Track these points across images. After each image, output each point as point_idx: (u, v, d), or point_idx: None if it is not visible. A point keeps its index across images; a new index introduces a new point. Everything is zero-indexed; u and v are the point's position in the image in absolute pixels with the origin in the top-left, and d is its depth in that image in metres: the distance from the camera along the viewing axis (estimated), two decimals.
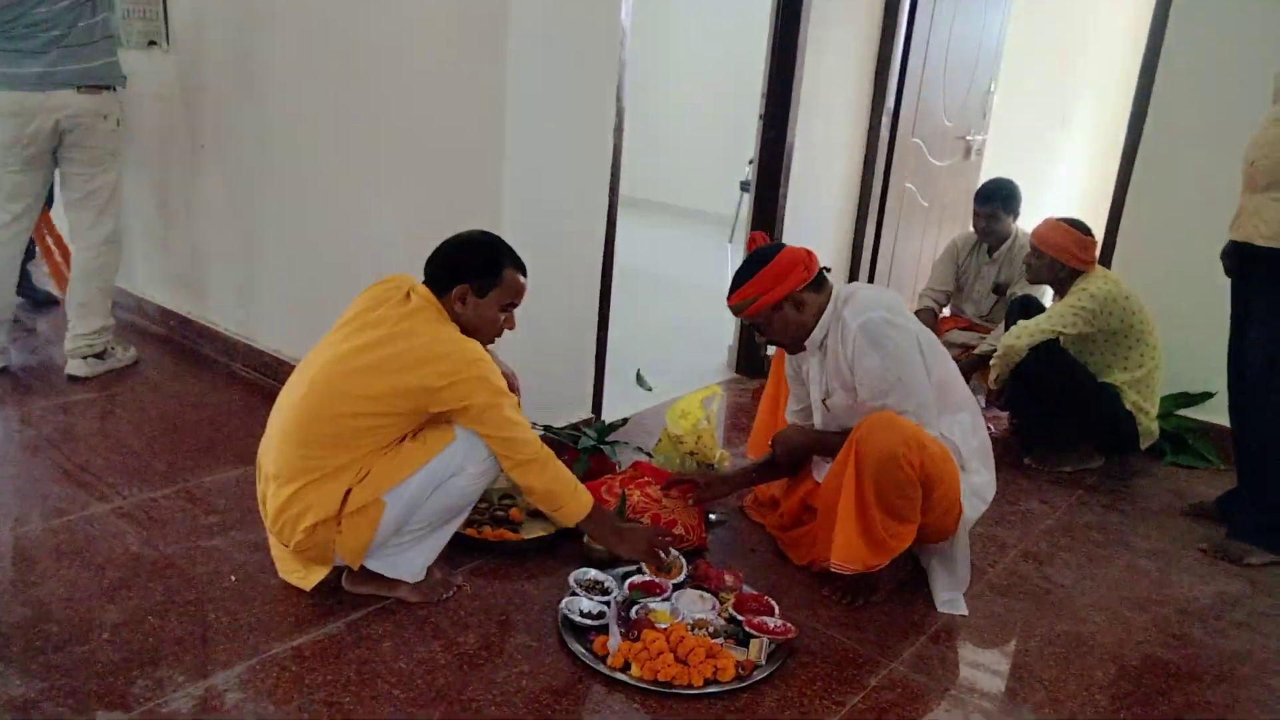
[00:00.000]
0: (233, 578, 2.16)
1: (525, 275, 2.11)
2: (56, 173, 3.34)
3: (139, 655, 1.86)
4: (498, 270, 2.05)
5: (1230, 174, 2.63)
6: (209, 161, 3.64)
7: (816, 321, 2.25)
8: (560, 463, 2.06)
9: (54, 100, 3.13)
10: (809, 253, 2.25)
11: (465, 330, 2.04)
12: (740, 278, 2.26)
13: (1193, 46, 3.36)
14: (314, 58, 3.11)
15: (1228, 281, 2.70)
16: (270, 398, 2.15)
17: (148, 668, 1.82)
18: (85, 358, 3.40)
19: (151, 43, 3.74)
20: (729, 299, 2.28)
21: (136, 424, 3.03)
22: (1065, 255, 3.13)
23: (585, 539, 2.36)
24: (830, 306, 2.24)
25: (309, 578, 2.07)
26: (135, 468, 2.70)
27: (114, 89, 3.30)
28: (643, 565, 2.27)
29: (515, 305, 2.11)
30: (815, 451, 2.42)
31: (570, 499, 2.06)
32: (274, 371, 3.40)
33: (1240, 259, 2.59)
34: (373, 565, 2.06)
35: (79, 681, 1.77)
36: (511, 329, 2.14)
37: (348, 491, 1.96)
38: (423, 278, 2.08)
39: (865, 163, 4.30)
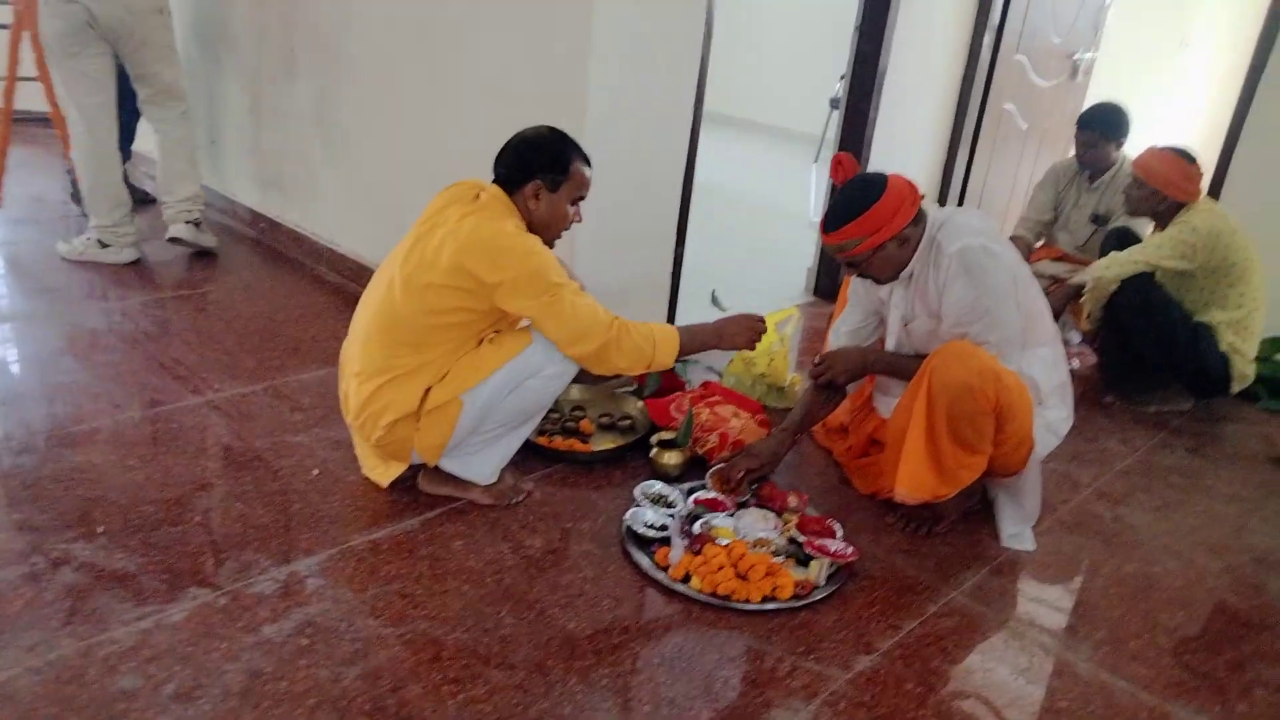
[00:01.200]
0: (315, 472, 2.27)
1: (590, 167, 2.10)
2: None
3: (227, 539, 1.98)
4: (566, 165, 2.05)
5: None
6: (300, 66, 3.67)
7: (913, 254, 2.18)
8: (633, 324, 2.04)
9: None
10: (912, 185, 2.12)
11: (536, 226, 2.06)
12: (841, 214, 2.10)
13: None
14: None
15: None
16: (353, 301, 2.21)
17: (235, 550, 1.94)
18: (186, 222, 3.61)
19: None
20: (827, 235, 2.13)
21: (227, 322, 3.15)
22: (1169, 187, 2.97)
23: (653, 454, 2.40)
24: (925, 235, 2.16)
25: (388, 473, 2.15)
26: (226, 364, 2.82)
27: None
28: (708, 480, 2.30)
29: (583, 198, 2.12)
30: (880, 371, 2.35)
31: (654, 354, 2.05)
32: (356, 275, 3.48)
33: None
34: (447, 465, 2.14)
35: (172, 559, 1.89)
36: (579, 222, 2.15)
37: (427, 390, 2.03)
38: (492, 177, 2.09)
39: (964, 80, 4.11)
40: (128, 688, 1.55)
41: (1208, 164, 3.72)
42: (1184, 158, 2.99)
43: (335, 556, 1.95)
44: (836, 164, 2.27)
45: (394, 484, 2.17)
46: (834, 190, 2.25)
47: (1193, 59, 6.34)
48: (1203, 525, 2.44)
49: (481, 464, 2.17)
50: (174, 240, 3.64)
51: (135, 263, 3.58)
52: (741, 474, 2.27)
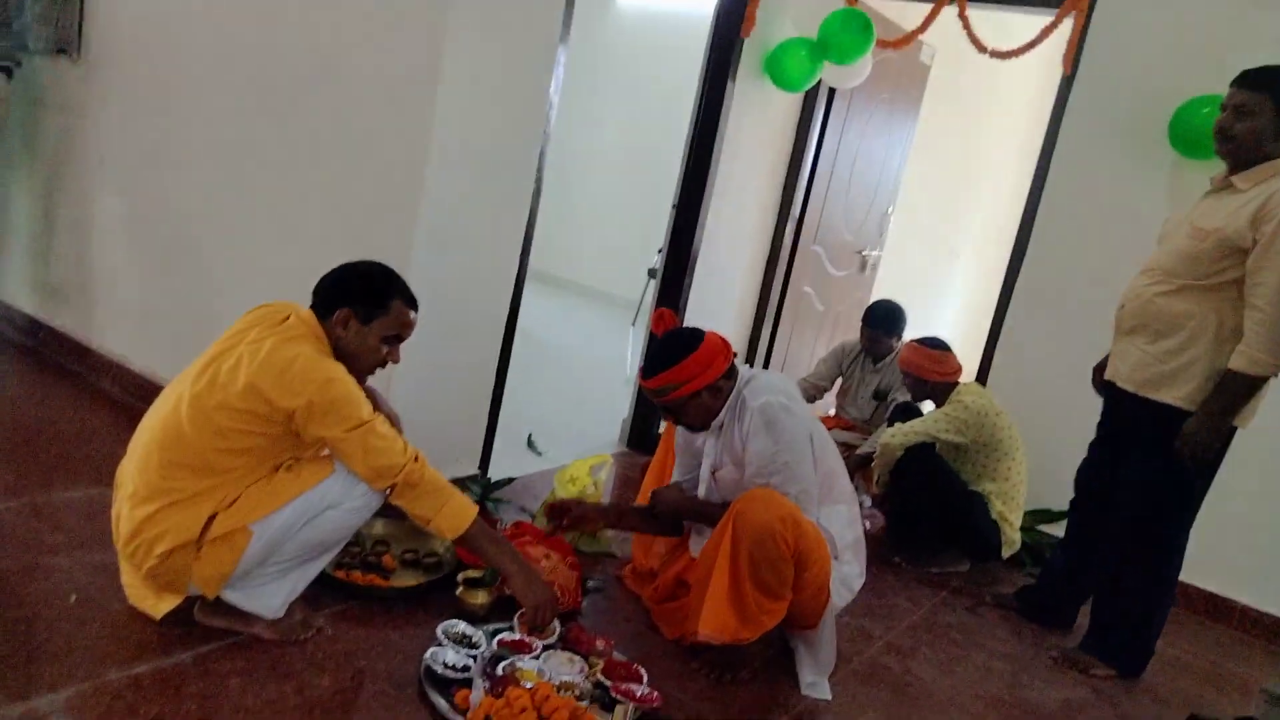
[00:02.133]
0: (73, 598, 2.02)
1: (415, 310, 2.08)
2: None
3: None
4: (385, 300, 2.02)
5: (1099, 315, 2.86)
6: (106, 176, 3.51)
7: (724, 405, 2.31)
8: (435, 476, 1.98)
9: None
10: (725, 341, 2.31)
11: (343, 356, 1.99)
12: (661, 361, 2.27)
13: (1072, 198, 3.68)
14: (231, 79, 3.07)
15: (1090, 409, 2.89)
16: (137, 421, 2.05)
17: None
18: None
19: (61, 50, 3.62)
20: (647, 381, 2.28)
21: None
22: (924, 371, 3.36)
23: (459, 591, 2.31)
24: (734, 389, 2.31)
25: (159, 605, 1.94)
26: None
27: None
28: (514, 624, 2.22)
29: (401, 339, 2.09)
30: (693, 517, 2.46)
31: (438, 514, 1.97)
32: (145, 394, 3.22)
33: (1109, 397, 2.78)
34: (230, 597, 1.96)
35: None
36: (396, 362, 2.11)
37: (211, 517, 1.87)
38: (310, 303, 2.05)
39: (768, 262, 4.50)
40: None
41: (974, 356, 4.21)
42: (931, 345, 3.41)
43: (86, 692, 1.72)
44: (658, 318, 2.42)
45: (167, 615, 1.96)
46: (654, 340, 2.38)
47: (961, 266, 7.24)
48: (981, 679, 2.58)
49: (269, 597, 2.00)
50: None
51: None
52: (567, 517, 2.46)
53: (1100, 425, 2.85)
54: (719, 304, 4.29)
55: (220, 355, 1.93)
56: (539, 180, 2.98)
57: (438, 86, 2.55)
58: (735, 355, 2.36)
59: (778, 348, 4.67)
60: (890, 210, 5.28)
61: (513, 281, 3.03)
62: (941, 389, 3.38)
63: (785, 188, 4.42)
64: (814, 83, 4.04)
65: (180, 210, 3.27)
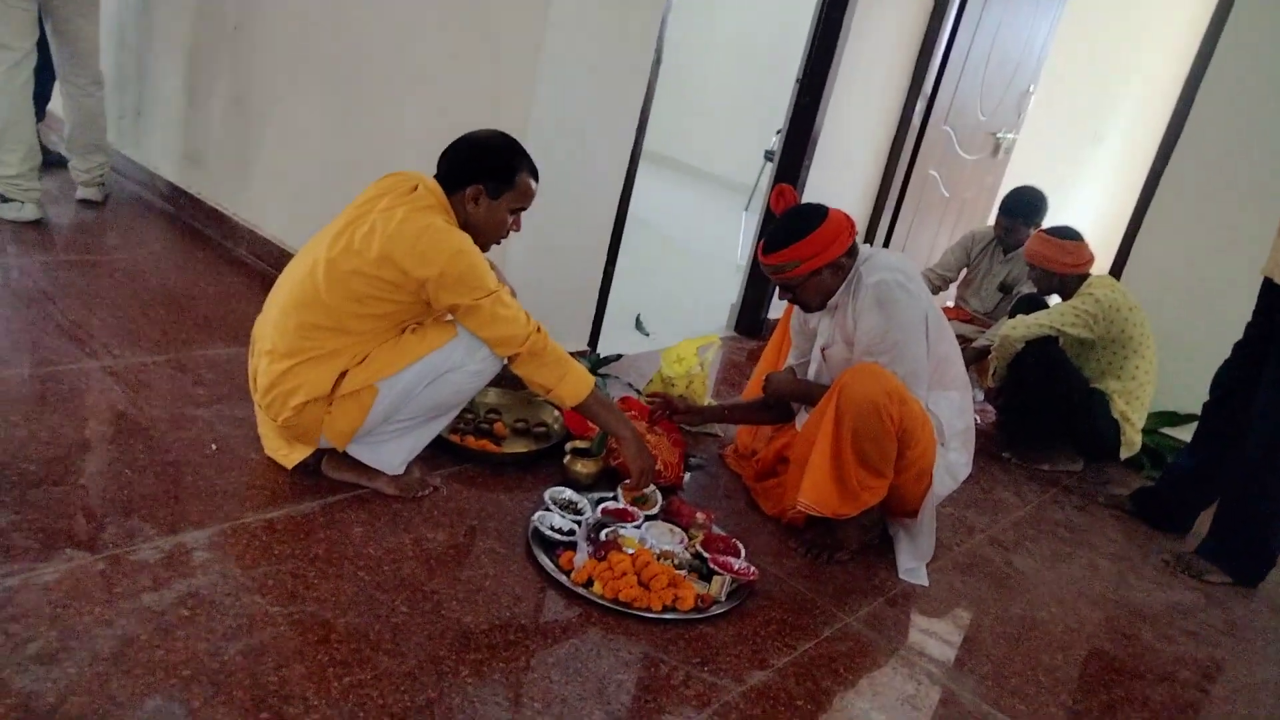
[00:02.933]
0: (213, 446, 2.18)
1: (537, 180, 2.10)
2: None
3: (111, 503, 1.88)
4: (512, 173, 2.04)
5: (1251, 211, 2.63)
6: (240, 44, 3.60)
7: (842, 284, 2.25)
8: (556, 348, 2.04)
9: None
10: (849, 218, 2.21)
11: (471, 229, 2.03)
12: (783, 237, 2.18)
13: (1234, 83, 3.35)
14: None
15: (1233, 311, 2.70)
16: (269, 285, 2.15)
17: (119, 516, 1.84)
18: (97, 184, 3.75)
19: None
20: (767, 257, 2.20)
21: (134, 291, 3.02)
22: (1053, 264, 3.16)
23: (566, 460, 2.39)
24: (853, 267, 2.25)
25: (291, 455, 2.08)
26: (129, 331, 2.70)
27: None
28: (618, 492, 2.30)
29: (524, 209, 2.11)
30: (801, 399, 2.43)
31: (559, 383, 2.03)
32: (275, 260, 3.39)
33: (1267, 295, 2.58)
34: (355, 452, 2.08)
35: (49, 519, 1.78)
36: (518, 231, 2.14)
37: (342, 373, 1.98)
38: (433, 172, 2.07)
39: (893, 143, 4.28)
40: None
41: (1110, 246, 3.96)
42: (1061, 235, 3.18)
43: (226, 532, 1.87)
44: (778, 195, 2.33)
45: (297, 466, 2.11)
46: (773, 218, 2.32)
47: (1104, 151, 6.75)
48: (1086, 577, 2.54)
49: (391, 454, 2.12)
50: (84, 201, 3.72)
51: (37, 222, 3.42)
52: (662, 409, 2.50)
53: (1250, 325, 2.67)
54: (839, 187, 4.14)
55: (354, 222, 1.99)
56: (658, 53, 2.89)
57: None
58: (857, 233, 2.28)
59: (897, 234, 4.50)
60: (1031, 90, 4.93)
61: (626, 161, 2.99)
62: (1071, 282, 3.20)
63: (918, 64, 4.15)
64: None
65: (304, 80, 3.33)
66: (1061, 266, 3.16)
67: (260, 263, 3.50)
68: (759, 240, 2.29)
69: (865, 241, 4.47)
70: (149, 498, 1.93)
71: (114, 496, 1.91)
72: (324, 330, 1.97)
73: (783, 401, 2.49)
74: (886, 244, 4.50)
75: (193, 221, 3.86)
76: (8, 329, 2.56)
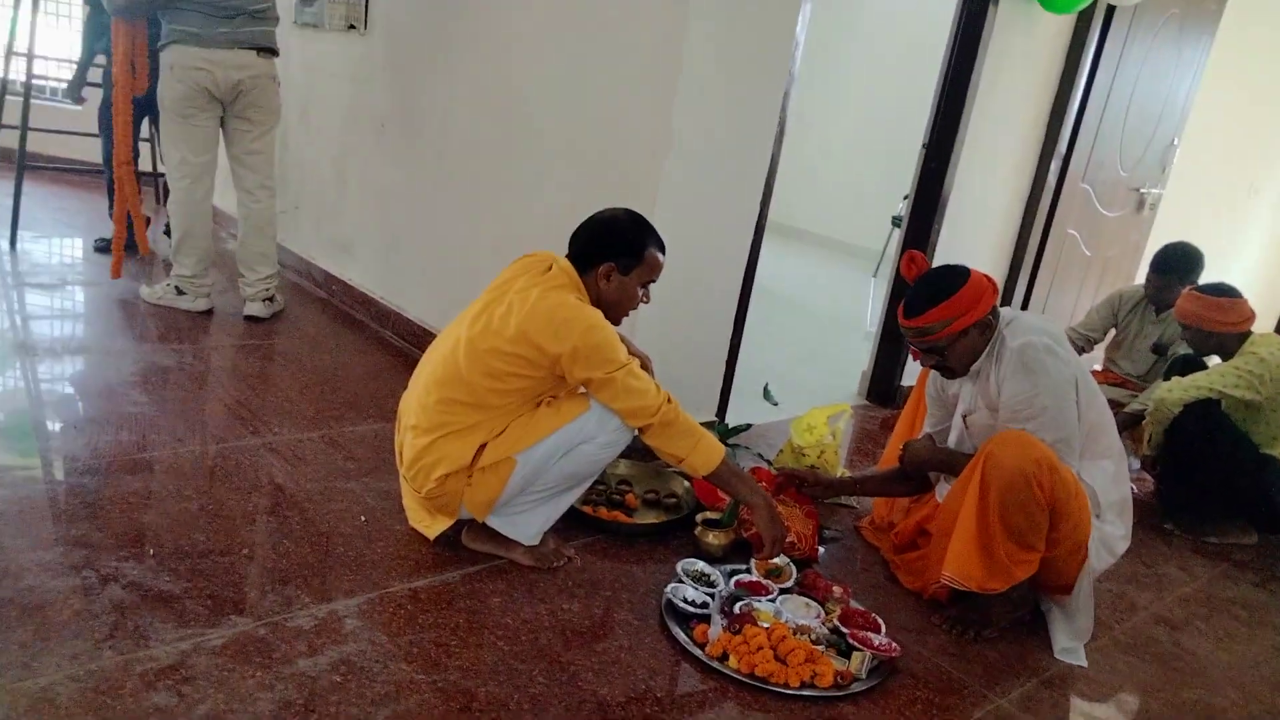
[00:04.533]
0: (363, 518, 2.29)
1: (664, 254, 2.15)
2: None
3: (271, 573, 1.99)
4: (642, 250, 2.10)
5: None
6: (388, 141, 3.87)
7: (987, 346, 2.19)
8: (687, 418, 2.06)
9: (239, 59, 3.47)
10: (991, 278, 2.17)
11: (604, 305, 2.10)
12: (927, 298, 2.13)
13: None
14: (498, 51, 3.27)
15: None
16: (414, 364, 2.27)
17: (278, 585, 1.95)
18: (263, 300, 3.77)
19: (351, 26, 4.02)
20: (911, 320, 2.15)
21: (292, 373, 3.24)
22: (1205, 321, 2.98)
23: (697, 531, 2.38)
24: (996, 330, 2.19)
25: (434, 527, 2.16)
26: (287, 410, 2.89)
27: (278, 55, 3.65)
28: (752, 565, 2.27)
29: (653, 281, 2.16)
30: (942, 468, 2.35)
31: (692, 453, 2.04)
32: (419, 340, 3.57)
33: None
34: (493, 523, 2.14)
35: (217, 586, 1.91)
36: (647, 303, 2.19)
37: (481, 446, 2.05)
38: (567, 253, 2.16)
39: (1028, 204, 4.17)
40: (161, 704, 1.55)
41: (1273, 302, 3.70)
42: (1213, 292, 2.99)
43: (375, 600, 1.95)
44: (909, 260, 2.30)
45: (439, 538, 2.18)
46: (904, 285, 2.29)
47: (1262, 203, 6.36)
48: (1269, 659, 2.32)
49: (527, 525, 2.17)
50: (250, 318, 3.74)
51: (209, 312, 3.73)
52: (789, 480, 2.45)
53: None
54: (971, 250, 4.04)
55: (492, 303, 2.09)
56: (782, 124, 2.94)
57: (685, 24, 2.55)
58: (999, 293, 2.21)
59: (1036, 296, 4.34)
60: (1175, 142, 4.72)
61: (752, 230, 3.03)
62: (1231, 341, 3.00)
63: (1051, 120, 4.05)
64: (1089, 2, 3.63)
65: (445, 173, 3.55)
66: (1218, 325, 2.97)
67: (405, 343, 3.70)
68: (897, 305, 2.24)
69: (1003, 304, 4.33)
70: (304, 567, 2.03)
71: (273, 565, 2.02)
72: (464, 406, 2.06)
73: (921, 471, 2.41)
74: (1025, 306, 4.34)
75: (344, 306, 4.12)
76: (182, 409, 2.79)
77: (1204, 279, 3.48)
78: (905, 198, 4.08)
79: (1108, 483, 2.20)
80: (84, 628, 1.71)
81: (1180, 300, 3.10)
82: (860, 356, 4.18)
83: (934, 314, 2.11)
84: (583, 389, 2.10)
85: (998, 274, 4.25)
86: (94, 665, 1.61)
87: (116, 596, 1.82)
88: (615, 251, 2.09)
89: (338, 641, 1.79)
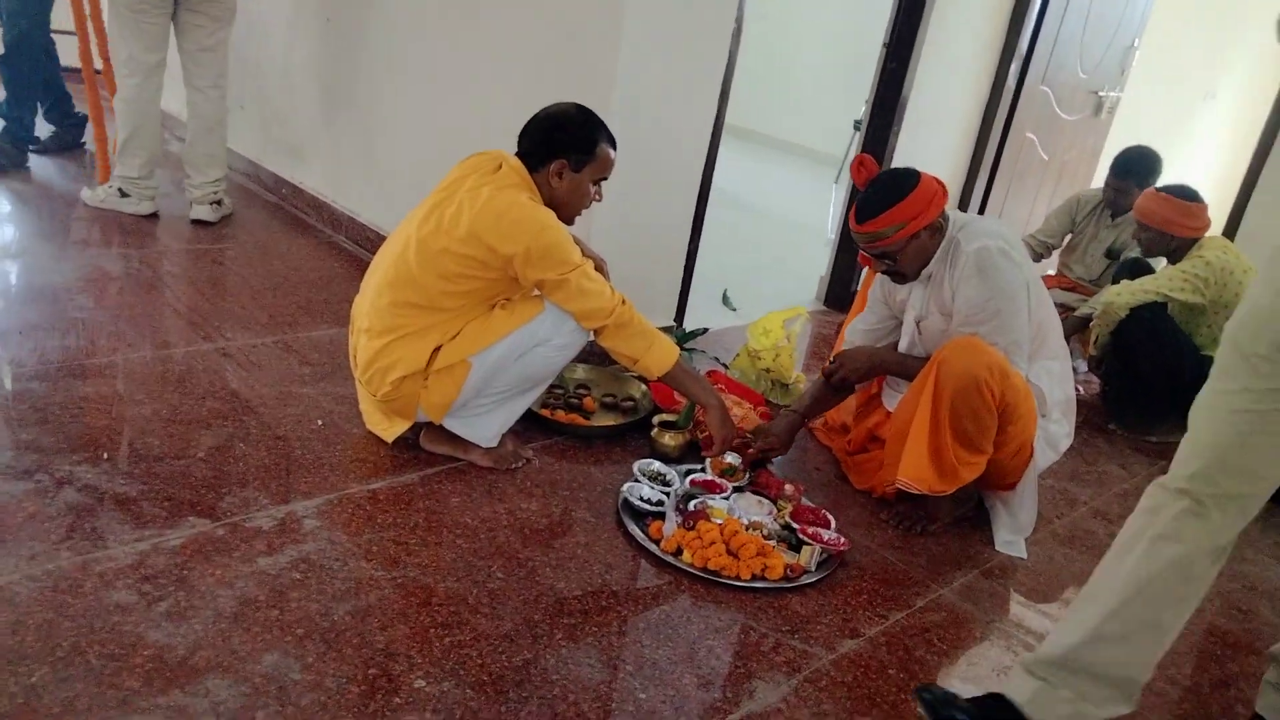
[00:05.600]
0: (319, 422, 2.29)
1: (616, 149, 2.12)
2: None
3: (228, 476, 1.99)
4: (593, 145, 2.07)
5: None
6: (334, 37, 3.72)
7: (937, 249, 2.20)
8: (642, 320, 2.07)
9: None
10: (941, 181, 2.16)
11: (555, 204, 2.08)
12: (876, 203, 2.11)
13: None
14: None
15: None
16: (367, 268, 2.23)
17: (235, 487, 1.95)
18: (210, 204, 3.66)
19: None
20: (862, 225, 2.13)
21: (243, 278, 3.18)
22: (1171, 225, 3.02)
23: (653, 433, 2.42)
24: (946, 234, 2.19)
25: (392, 430, 2.17)
26: (239, 315, 2.85)
27: None
28: (707, 465, 2.32)
29: (605, 179, 2.14)
30: (888, 371, 2.39)
31: (646, 354, 2.07)
32: (371, 245, 3.51)
33: None
34: (451, 425, 2.16)
35: (173, 489, 1.91)
36: (599, 201, 2.17)
37: (436, 349, 2.05)
38: (515, 149, 2.11)
39: (987, 106, 4.15)
40: (122, 601, 1.56)
41: (1222, 207, 3.76)
42: (1182, 196, 3.03)
43: (333, 501, 1.97)
44: (858, 164, 2.28)
45: (397, 441, 2.19)
46: (856, 191, 2.28)
47: (1217, 109, 6.39)
48: None
49: (484, 427, 2.19)
50: (197, 222, 3.64)
51: (154, 215, 3.62)
52: (755, 450, 2.32)
53: None
54: (929, 154, 4.03)
55: (442, 202, 2.06)
56: (739, 20, 2.87)
57: None
58: (949, 198, 2.21)
59: (994, 200, 4.36)
60: (1135, 44, 4.70)
61: (709, 131, 2.99)
62: (1185, 245, 3.05)
63: (1012, 21, 4.00)
64: None
65: (393, 69, 3.43)
66: (1180, 229, 3.01)
67: (358, 248, 3.64)
68: (848, 210, 2.23)
69: (960, 209, 4.35)
70: (262, 469, 2.04)
71: (231, 469, 2.02)
72: (417, 308, 2.04)
73: (858, 380, 2.39)
74: (982, 211, 4.37)
75: (295, 210, 4.03)
76: (131, 314, 2.73)
77: (1160, 183, 3.52)
78: (866, 101, 4.04)
79: (1054, 382, 2.26)
80: (39, 530, 1.71)
81: (1144, 200, 3.12)
82: (820, 263, 4.20)
83: (885, 218, 2.10)
84: (537, 291, 2.09)
85: (956, 178, 4.26)
86: (51, 565, 1.62)
87: (72, 499, 1.82)
88: (566, 147, 2.05)
89: (297, 541, 1.81)
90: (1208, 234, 3.07)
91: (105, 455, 1.98)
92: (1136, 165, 3.59)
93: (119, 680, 1.40)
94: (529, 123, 2.11)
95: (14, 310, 2.68)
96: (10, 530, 1.69)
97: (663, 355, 2.08)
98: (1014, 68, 4.06)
